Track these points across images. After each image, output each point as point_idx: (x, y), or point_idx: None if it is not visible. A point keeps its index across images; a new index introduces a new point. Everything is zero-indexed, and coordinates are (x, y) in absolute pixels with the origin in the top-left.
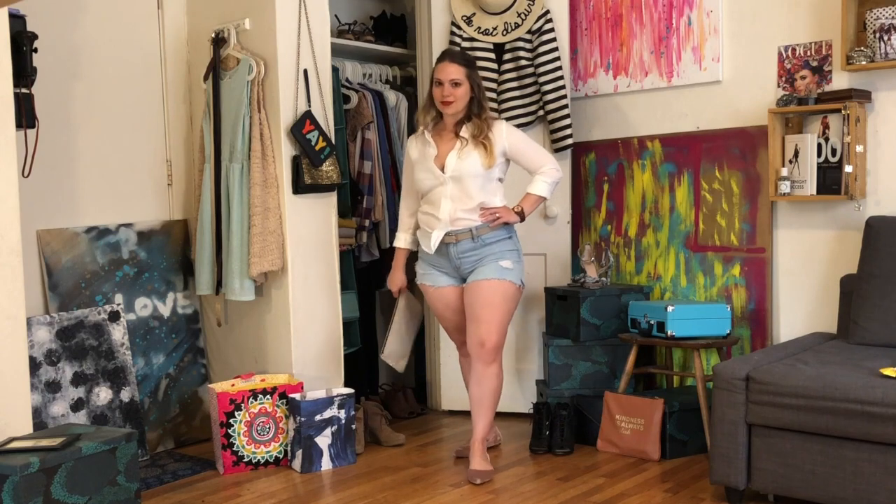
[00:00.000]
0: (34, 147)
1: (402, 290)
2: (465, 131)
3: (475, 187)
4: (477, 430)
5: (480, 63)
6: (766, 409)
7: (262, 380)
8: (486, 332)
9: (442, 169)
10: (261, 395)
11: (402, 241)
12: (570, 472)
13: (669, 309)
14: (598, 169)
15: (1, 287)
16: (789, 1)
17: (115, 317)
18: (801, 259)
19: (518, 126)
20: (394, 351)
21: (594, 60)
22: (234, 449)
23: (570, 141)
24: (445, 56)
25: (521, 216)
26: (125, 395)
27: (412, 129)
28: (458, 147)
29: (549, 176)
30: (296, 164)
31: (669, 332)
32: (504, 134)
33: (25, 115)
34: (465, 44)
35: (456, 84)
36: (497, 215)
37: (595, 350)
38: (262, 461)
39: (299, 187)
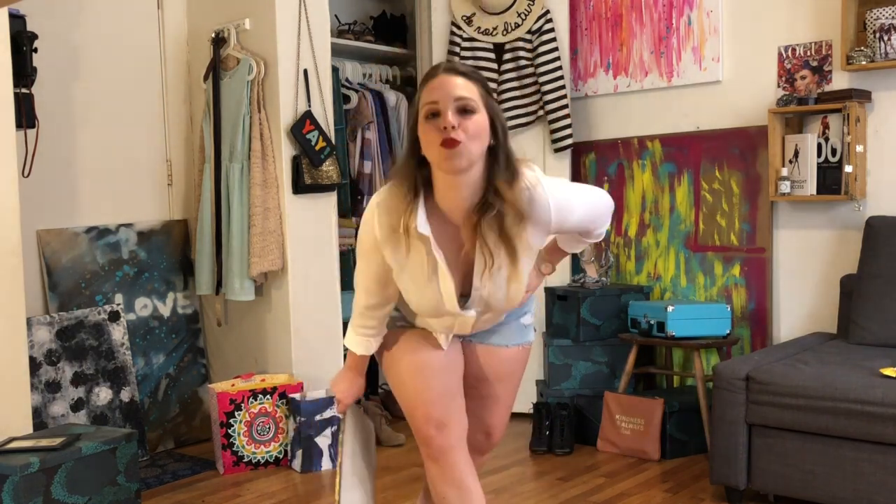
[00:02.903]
0: (34, 147)
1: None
2: (491, 224)
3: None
4: None
5: (480, 63)
6: (766, 409)
7: (262, 380)
8: (500, 417)
9: (463, 298)
10: (261, 395)
11: (361, 347)
12: (570, 472)
13: (669, 309)
14: (598, 169)
15: (1, 287)
16: (789, 1)
17: (115, 317)
18: (801, 259)
19: (517, 126)
20: (356, 500)
21: (594, 60)
22: (234, 449)
23: (570, 141)
24: (439, 68)
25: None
26: (125, 395)
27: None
28: (485, 255)
29: (594, 240)
30: (296, 164)
31: (669, 332)
32: (551, 207)
33: (25, 115)
34: (465, 44)
35: (466, 110)
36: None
37: (595, 350)
38: (262, 461)
39: (299, 187)
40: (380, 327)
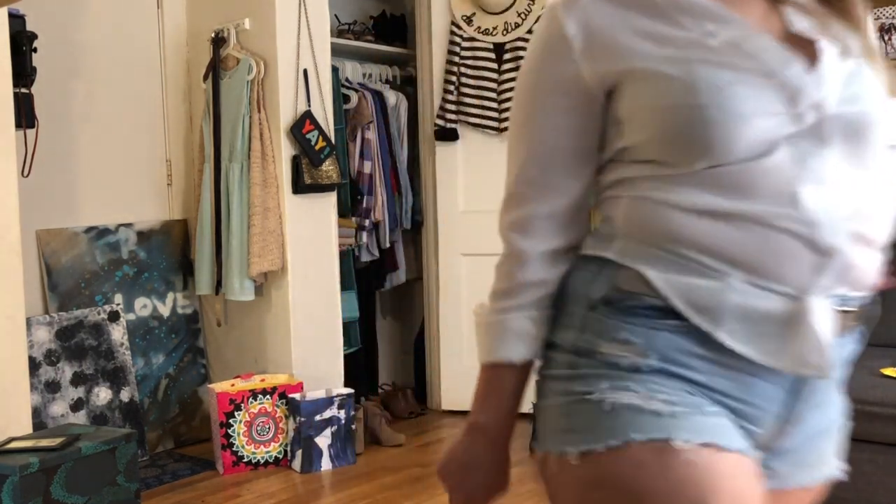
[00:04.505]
0: (34, 147)
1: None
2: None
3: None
4: None
5: (480, 63)
6: None
7: (262, 380)
8: None
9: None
10: (260, 395)
11: (519, 344)
12: None
13: None
14: None
15: (1, 287)
16: None
17: (114, 317)
18: None
19: None
20: None
21: None
22: (234, 449)
23: None
24: None
25: None
26: (125, 395)
27: (412, 129)
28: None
29: None
30: (296, 163)
31: None
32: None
33: (25, 115)
34: (466, 43)
35: None
36: None
37: None
38: (262, 461)
39: (299, 187)
40: (544, 298)
